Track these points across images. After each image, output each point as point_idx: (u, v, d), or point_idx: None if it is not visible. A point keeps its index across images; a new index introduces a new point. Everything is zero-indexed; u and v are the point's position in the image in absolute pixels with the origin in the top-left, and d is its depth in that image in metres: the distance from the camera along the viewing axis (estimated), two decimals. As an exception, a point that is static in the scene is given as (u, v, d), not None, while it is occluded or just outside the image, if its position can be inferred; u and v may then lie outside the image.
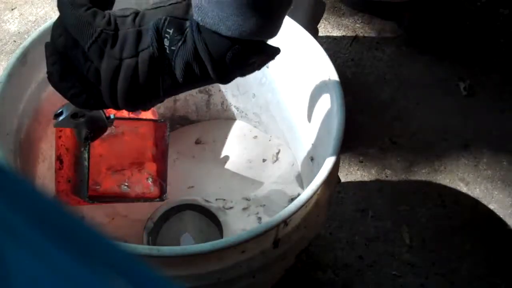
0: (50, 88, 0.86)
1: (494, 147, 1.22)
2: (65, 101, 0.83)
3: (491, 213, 1.14)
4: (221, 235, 0.92)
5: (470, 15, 1.40)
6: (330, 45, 1.35)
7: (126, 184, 0.88)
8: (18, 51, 0.80)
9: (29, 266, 0.22)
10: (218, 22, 0.55)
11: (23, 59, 0.80)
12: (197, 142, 1.02)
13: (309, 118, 0.88)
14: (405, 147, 1.22)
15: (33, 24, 1.37)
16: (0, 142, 0.74)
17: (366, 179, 1.17)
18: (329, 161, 0.73)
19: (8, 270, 0.21)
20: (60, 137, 0.81)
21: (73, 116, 0.73)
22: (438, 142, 1.23)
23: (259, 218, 0.93)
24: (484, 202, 1.15)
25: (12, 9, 1.40)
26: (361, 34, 1.38)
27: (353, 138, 1.20)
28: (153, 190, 0.89)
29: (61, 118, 0.72)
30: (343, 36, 1.37)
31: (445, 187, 1.17)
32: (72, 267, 0.22)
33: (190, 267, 0.70)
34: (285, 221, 0.69)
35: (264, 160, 0.99)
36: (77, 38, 0.57)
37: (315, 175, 0.72)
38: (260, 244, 0.71)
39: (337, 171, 0.84)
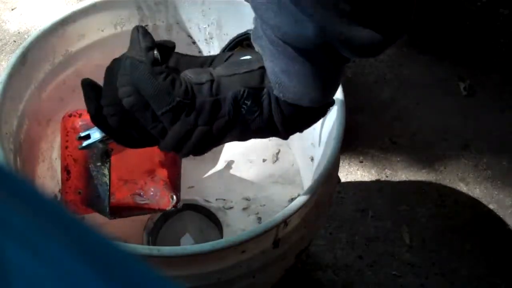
0: (50, 88, 0.86)
1: (494, 147, 1.22)
2: (64, 102, 0.83)
3: (491, 213, 1.14)
4: (221, 235, 0.92)
5: (470, 15, 1.40)
6: (330, 45, 1.35)
7: (140, 193, 0.87)
8: (18, 51, 0.80)
9: (29, 266, 0.22)
10: (300, 97, 0.58)
11: (23, 59, 0.80)
12: (197, 142, 1.02)
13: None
14: (405, 147, 1.22)
15: (33, 24, 1.37)
16: (0, 142, 0.74)
17: (366, 179, 1.17)
18: (329, 161, 0.73)
19: (8, 270, 0.21)
20: (66, 147, 0.80)
21: (101, 140, 0.71)
22: (438, 142, 1.23)
23: (259, 218, 0.93)
24: (484, 202, 1.15)
25: (12, 9, 1.40)
26: (361, 34, 1.38)
27: (353, 138, 1.20)
28: (171, 199, 0.88)
29: (88, 142, 0.71)
30: (343, 36, 1.37)
31: (445, 187, 1.17)
32: (72, 267, 0.22)
33: (190, 267, 0.70)
34: (285, 221, 0.69)
35: (264, 160, 0.99)
36: (150, 103, 0.57)
37: (315, 175, 0.72)
38: (260, 244, 0.71)
39: (337, 171, 0.84)
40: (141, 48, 0.57)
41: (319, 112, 0.61)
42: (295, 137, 0.95)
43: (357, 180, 1.17)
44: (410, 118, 1.26)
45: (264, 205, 0.95)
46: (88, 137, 0.71)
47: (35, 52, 0.82)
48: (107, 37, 0.90)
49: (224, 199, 0.96)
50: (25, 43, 0.81)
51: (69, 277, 0.22)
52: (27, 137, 0.83)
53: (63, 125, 0.79)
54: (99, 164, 0.76)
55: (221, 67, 0.60)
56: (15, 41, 1.34)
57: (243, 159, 1.00)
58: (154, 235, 0.92)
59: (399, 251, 1.09)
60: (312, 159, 0.90)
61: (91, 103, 0.61)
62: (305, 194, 0.70)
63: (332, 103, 0.63)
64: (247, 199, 0.96)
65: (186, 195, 0.95)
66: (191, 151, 0.61)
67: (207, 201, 0.95)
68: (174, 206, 0.88)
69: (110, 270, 0.23)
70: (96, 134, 0.70)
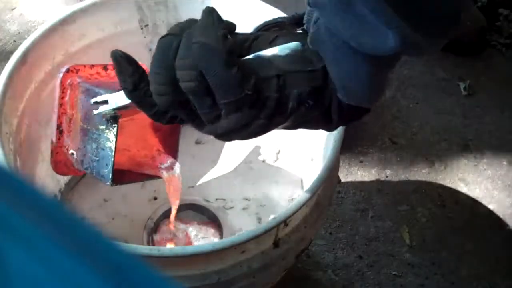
0: (50, 88, 0.86)
1: (494, 147, 1.22)
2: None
3: (491, 213, 1.14)
4: (221, 235, 0.92)
5: (471, 15, 1.40)
6: (330, 45, 1.35)
7: (137, 160, 0.80)
8: (18, 51, 0.80)
9: (29, 266, 0.22)
10: (363, 99, 0.58)
11: (23, 59, 0.80)
12: (197, 142, 1.02)
13: (309, 118, 0.88)
14: (405, 147, 1.22)
15: (33, 24, 1.37)
16: (0, 142, 0.74)
17: (366, 179, 1.17)
18: (329, 161, 0.73)
19: (8, 270, 0.21)
20: (61, 104, 0.75)
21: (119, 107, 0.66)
22: (438, 142, 1.23)
23: (259, 218, 0.93)
24: (484, 202, 1.15)
25: (12, 9, 1.40)
26: (361, 34, 1.38)
27: (353, 138, 1.20)
28: (165, 162, 0.82)
29: (104, 109, 0.66)
30: (343, 36, 1.37)
31: (445, 187, 1.17)
32: (72, 267, 0.22)
33: (190, 267, 0.70)
34: (285, 221, 0.69)
35: (264, 160, 0.99)
36: (215, 91, 0.55)
37: (315, 175, 0.72)
38: (260, 244, 0.71)
39: (337, 171, 0.84)
40: (217, 36, 0.54)
41: (365, 110, 0.62)
42: (295, 137, 0.95)
43: (357, 180, 1.17)
44: (410, 118, 1.26)
45: (264, 205, 0.95)
46: (105, 103, 0.66)
47: (35, 52, 0.82)
48: (107, 37, 0.90)
49: (224, 199, 0.96)
50: (25, 43, 0.81)
51: (69, 277, 0.22)
52: (27, 137, 0.83)
53: (60, 81, 0.75)
54: (102, 127, 0.72)
55: (284, 61, 0.58)
56: (15, 41, 1.34)
57: (243, 159, 1.00)
58: (154, 235, 0.92)
59: (399, 251, 1.09)
60: (312, 159, 0.90)
61: (127, 78, 0.57)
62: (305, 194, 0.70)
63: None
64: (247, 199, 0.96)
65: (186, 195, 0.95)
66: (240, 139, 0.60)
67: (207, 201, 0.95)
68: (171, 168, 0.83)
69: (110, 270, 0.23)
70: (116, 101, 0.65)
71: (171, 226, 0.89)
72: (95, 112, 0.68)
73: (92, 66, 0.77)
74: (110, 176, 0.73)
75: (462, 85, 1.30)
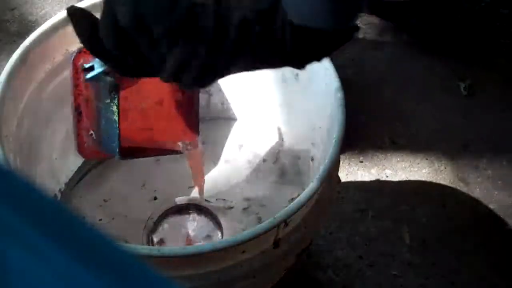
0: (50, 88, 0.86)
1: (494, 147, 1.22)
2: (64, 102, 0.83)
3: (491, 213, 1.14)
4: (221, 235, 0.92)
5: (471, 15, 1.40)
6: (330, 45, 1.35)
7: (151, 130, 0.78)
8: (18, 51, 0.80)
9: (29, 266, 0.22)
10: (321, 20, 0.51)
11: (23, 59, 0.80)
12: (197, 142, 1.02)
13: (309, 118, 0.88)
14: (405, 147, 1.22)
15: (33, 24, 1.37)
16: (0, 142, 0.74)
17: (366, 179, 1.17)
18: (329, 161, 0.73)
19: (8, 270, 0.21)
20: (76, 86, 0.74)
21: (105, 72, 0.66)
22: (438, 142, 1.23)
23: (259, 218, 0.93)
24: (484, 202, 1.15)
25: (12, 9, 1.40)
26: (361, 34, 1.38)
27: (353, 138, 1.20)
28: (186, 132, 0.79)
29: (92, 73, 0.66)
30: (343, 36, 1.37)
31: (445, 187, 1.17)
32: (72, 267, 0.22)
33: (190, 267, 0.70)
34: (285, 221, 0.69)
35: (264, 160, 0.99)
36: (151, 24, 0.52)
37: (315, 175, 0.72)
38: (260, 244, 0.71)
39: (337, 171, 0.84)
40: None
41: (336, 37, 0.53)
42: (295, 137, 0.95)
43: (357, 180, 1.17)
44: (410, 118, 1.26)
45: (264, 205, 0.95)
46: (92, 68, 0.66)
47: (35, 52, 0.82)
48: (107, 37, 0.90)
49: (224, 199, 0.96)
50: (25, 43, 0.81)
51: (68, 277, 0.22)
52: (27, 137, 0.83)
53: (73, 62, 0.75)
54: (107, 101, 0.71)
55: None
56: (15, 41, 1.33)
57: (243, 159, 1.00)
58: (154, 235, 0.92)
59: (399, 251, 1.09)
60: (312, 159, 0.90)
61: (82, 29, 0.56)
62: (305, 194, 0.70)
63: (354, 28, 0.54)
64: (247, 199, 0.96)
65: (186, 195, 0.95)
66: (192, 83, 0.55)
67: (207, 201, 0.95)
68: (194, 139, 0.80)
69: (110, 270, 0.23)
70: (100, 66, 0.65)
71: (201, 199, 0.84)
72: (84, 79, 0.68)
73: None
74: (117, 150, 0.71)
75: (462, 85, 1.30)
